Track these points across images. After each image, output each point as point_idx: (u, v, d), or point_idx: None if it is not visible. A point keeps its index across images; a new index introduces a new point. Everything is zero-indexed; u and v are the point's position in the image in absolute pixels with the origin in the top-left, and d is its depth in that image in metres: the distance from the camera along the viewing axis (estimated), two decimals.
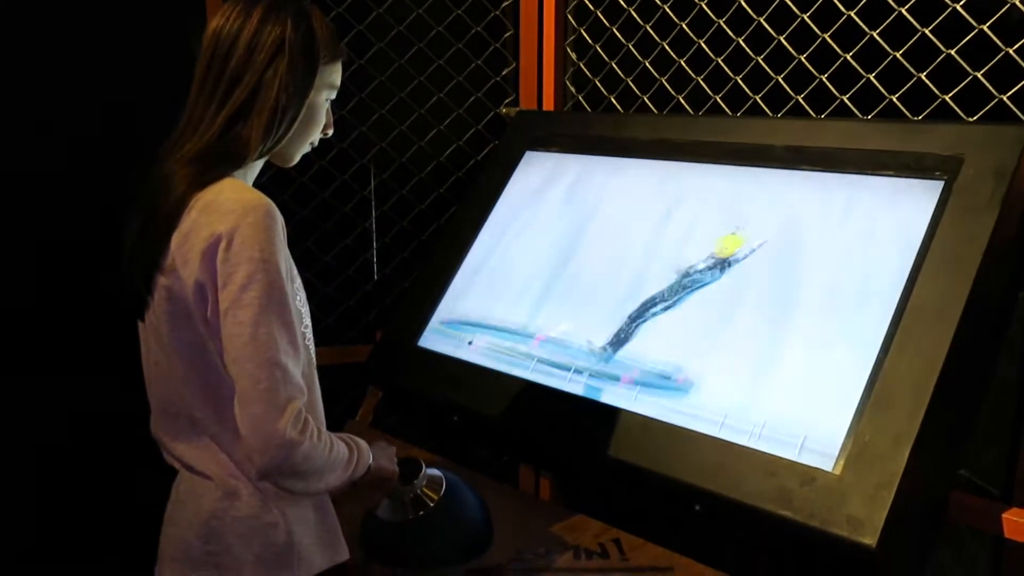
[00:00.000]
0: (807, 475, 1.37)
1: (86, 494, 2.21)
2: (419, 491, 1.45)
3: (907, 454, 1.31)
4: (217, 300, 1.15)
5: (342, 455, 1.23)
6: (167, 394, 1.26)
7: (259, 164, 1.31)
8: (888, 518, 1.28)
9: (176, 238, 1.19)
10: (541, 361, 1.77)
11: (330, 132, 1.35)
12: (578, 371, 1.71)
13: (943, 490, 1.49)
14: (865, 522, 1.29)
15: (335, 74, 1.31)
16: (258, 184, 1.30)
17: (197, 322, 1.19)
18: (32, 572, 2.20)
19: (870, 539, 1.27)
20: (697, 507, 1.47)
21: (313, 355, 1.29)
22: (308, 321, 1.28)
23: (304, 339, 1.23)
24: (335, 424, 1.48)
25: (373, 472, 1.30)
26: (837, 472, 1.35)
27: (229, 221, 1.14)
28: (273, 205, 1.18)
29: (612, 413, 1.60)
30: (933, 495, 1.45)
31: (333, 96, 1.33)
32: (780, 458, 1.41)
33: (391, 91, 2.41)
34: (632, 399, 1.61)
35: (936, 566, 1.61)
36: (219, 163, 1.21)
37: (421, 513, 1.45)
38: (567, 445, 1.66)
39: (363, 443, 1.29)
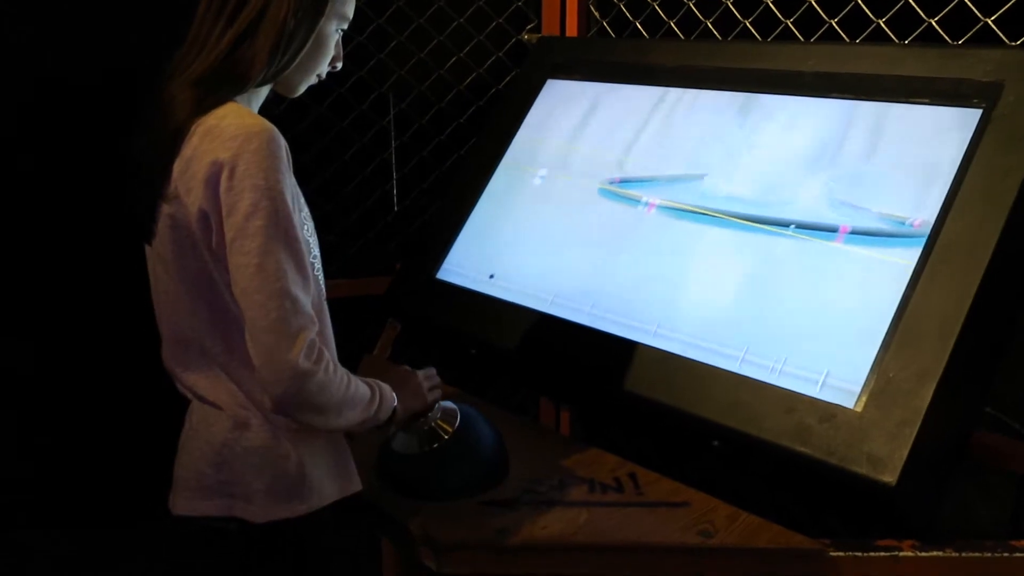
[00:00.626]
0: (827, 412, 1.34)
1: (99, 424, 2.23)
2: (433, 424, 1.46)
3: (932, 391, 1.27)
4: (222, 229, 1.13)
5: (362, 392, 1.22)
6: (177, 324, 1.25)
7: (264, 92, 1.27)
8: (909, 456, 1.25)
9: (178, 165, 1.16)
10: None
11: (339, 65, 1.31)
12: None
13: (967, 428, 1.46)
14: (886, 460, 1.26)
15: (347, 5, 1.26)
16: (274, 114, 1.25)
17: (202, 251, 1.17)
18: (40, 507, 2.22)
19: (890, 477, 1.25)
20: (715, 443, 1.45)
21: (323, 286, 1.27)
22: (317, 252, 1.26)
23: (313, 270, 1.20)
24: (352, 356, 1.47)
25: (399, 415, 1.31)
26: (858, 409, 1.32)
27: (231, 148, 1.11)
28: (277, 131, 1.14)
29: (630, 347, 1.57)
30: (956, 433, 1.43)
31: (344, 27, 1.28)
32: (800, 395, 1.38)
33: (409, 16, 2.35)
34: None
35: (958, 504, 1.59)
36: (222, 86, 1.18)
37: (435, 446, 1.46)
38: (584, 378, 1.65)
39: (386, 386, 1.28)
